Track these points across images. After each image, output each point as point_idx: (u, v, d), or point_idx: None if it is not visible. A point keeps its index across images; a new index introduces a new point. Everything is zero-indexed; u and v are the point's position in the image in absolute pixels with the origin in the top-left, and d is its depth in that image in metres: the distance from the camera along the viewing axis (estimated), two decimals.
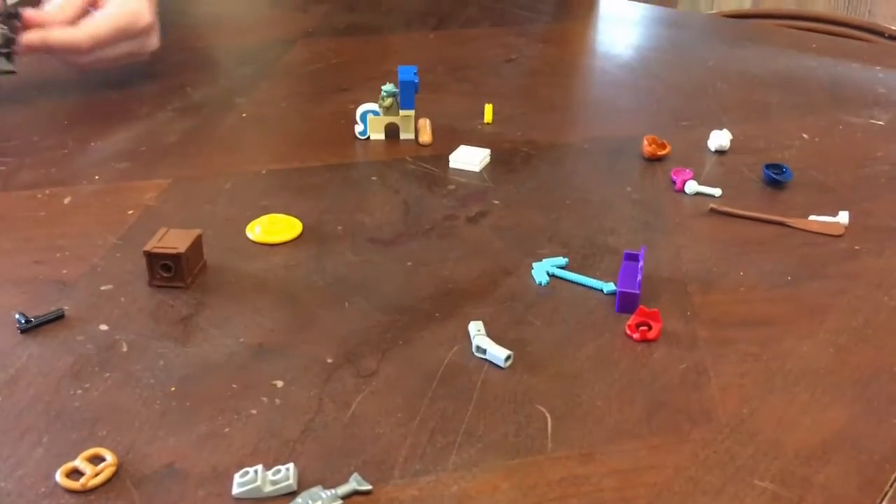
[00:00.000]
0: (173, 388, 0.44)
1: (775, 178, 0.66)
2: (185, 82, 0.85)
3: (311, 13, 1.11)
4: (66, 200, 0.62)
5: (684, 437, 0.42)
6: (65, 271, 0.54)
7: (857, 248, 0.59)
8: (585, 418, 0.43)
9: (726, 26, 1.15)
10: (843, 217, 0.61)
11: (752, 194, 0.65)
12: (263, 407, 0.43)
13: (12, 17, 0.72)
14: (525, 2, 1.15)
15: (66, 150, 0.70)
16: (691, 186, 0.65)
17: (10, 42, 0.71)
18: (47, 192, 0.63)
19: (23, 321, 0.48)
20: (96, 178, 0.65)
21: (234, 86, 0.85)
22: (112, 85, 0.84)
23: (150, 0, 0.81)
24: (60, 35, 0.75)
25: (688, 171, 0.67)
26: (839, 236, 0.60)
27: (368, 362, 0.46)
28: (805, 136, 0.76)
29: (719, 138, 0.72)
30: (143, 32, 0.81)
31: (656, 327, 0.49)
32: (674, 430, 0.42)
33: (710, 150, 0.72)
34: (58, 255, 0.55)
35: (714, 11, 1.55)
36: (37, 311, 0.49)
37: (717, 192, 0.65)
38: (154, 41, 0.84)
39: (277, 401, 0.44)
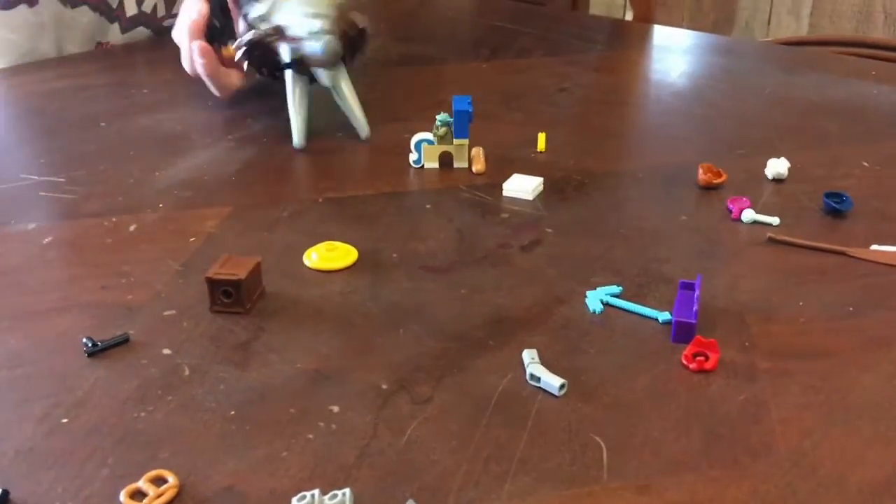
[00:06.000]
0: (233, 412, 0.45)
1: (835, 206, 0.65)
2: (245, 114, 0.87)
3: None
4: (132, 228, 0.64)
5: (744, 471, 0.41)
6: (130, 297, 0.55)
7: None
8: (642, 449, 0.43)
9: (782, 53, 1.14)
10: None
11: (812, 223, 0.64)
12: (320, 432, 0.44)
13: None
14: (578, 31, 1.16)
15: (132, 180, 0.72)
16: (748, 215, 0.64)
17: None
18: (114, 219, 0.65)
19: (90, 345, 0.50)
20: (160, 206, 0.68)
21: None
22: (176, 117, 0.86)
23: None
24: None
25: (745, 199, 0.66)
26: None
27: (423, 389, 0.47)
28: (865, 164, 0.75)
29: (777, 166, 0.71)
30: None
31: (713, 358, 0.48)
32: (733, 464, 0.42)
33: (767, 178, 0.72)
34: (123, 280, 0.57)
35: (769, 39, 1.54)
36: (103, 336, 0.51)
37: (775, 220, 0.64)
38: None
39: (334, 426, 0.44)
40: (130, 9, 1.10)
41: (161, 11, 1.13)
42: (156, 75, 1.02)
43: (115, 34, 1.12)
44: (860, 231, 0.63)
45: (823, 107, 0.88)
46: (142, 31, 1.14)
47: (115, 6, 1.08)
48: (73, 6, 1.04)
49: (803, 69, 1.03)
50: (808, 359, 0.49)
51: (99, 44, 1.11)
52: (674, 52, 1.12)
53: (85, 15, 1.07)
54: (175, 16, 1.12)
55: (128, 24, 1.11)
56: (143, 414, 0.45)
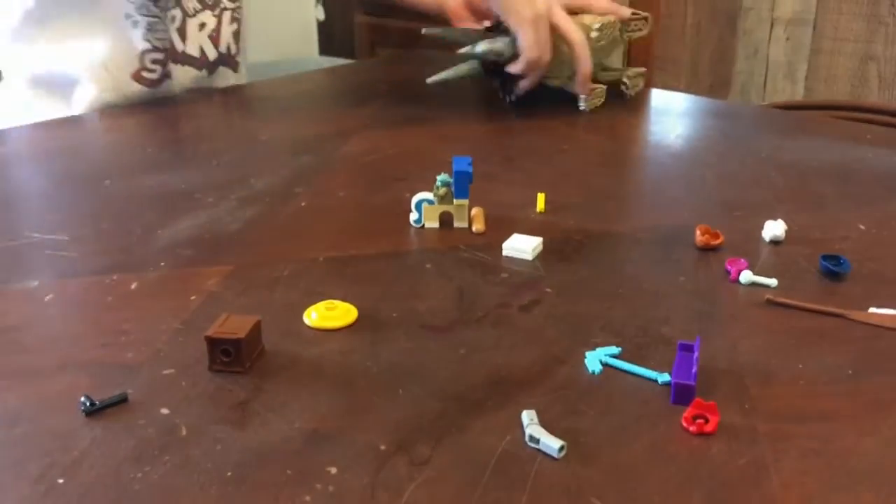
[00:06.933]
0: (230, 473, 0.45)
1: (833, 269, 0.65)
2: (248, 173, 0.88)
3: (369, 106, 1.15)
4: (133, 286, 0.65)
5: None
6: (129, 355, 0.55)
7: None
8: None
9: (779, 117, 1.16)
10: None
11: (810, 285, 0.65)
12: (317, 494, 0.43)
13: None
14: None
15: (134, 238, 0.73)
16: (746, 276, 0.65)
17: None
18: (115, 277, 0.66)
19: (88, 404, 0.49)
20: (162, 264, 0.68)
21: (294, 176, 0.88)
22: (180, 176, 0.87)
23: None
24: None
25: (742, 261, 0.67)
26: None
27: (422, 450, 0.47)
28: (862, 227, 0.75)
29: (774, 228, 0.72)
30: None
31: (713, 420, 0.48)
32: None
33: (764, 240, 0.72)
34: (123, 339, 0.57)
35: (766, 103, 1.56)
36: (101, 395, 0.50)
37: (773, 282, 0.64)
38: None
39: (331, 488, 0.44)
40: (211, 54, 1.20)
41: (234, 50, 1.23)
42: (161, 134, 1.03)
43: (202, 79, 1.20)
44: (858, 294, 0.63)
45: (819, 170, 0.89)
46: (223, 71, 1.23)
47: (198, 55, 1.18)
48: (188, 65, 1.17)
49: (799, 133, 1.04)
50: (808, 422, 0.49)
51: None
52: (671, 115, 1.14)
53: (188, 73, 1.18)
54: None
55: (212, 67, 1.21)
56: (139, 475, 0.45)
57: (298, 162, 0.93)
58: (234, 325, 0.54)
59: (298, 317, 0.60)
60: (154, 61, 1.12)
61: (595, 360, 0.55)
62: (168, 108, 1.13)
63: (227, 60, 1.22)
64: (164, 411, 0.50)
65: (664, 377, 0.53)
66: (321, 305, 0.60)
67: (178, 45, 1.14)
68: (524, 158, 0.94)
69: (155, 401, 0.51)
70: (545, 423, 0.48)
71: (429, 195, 0.74)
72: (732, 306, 0.62)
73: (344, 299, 0.62)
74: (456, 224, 0.75)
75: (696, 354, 0.52)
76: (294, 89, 1.26)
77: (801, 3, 2.25)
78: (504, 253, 0.70)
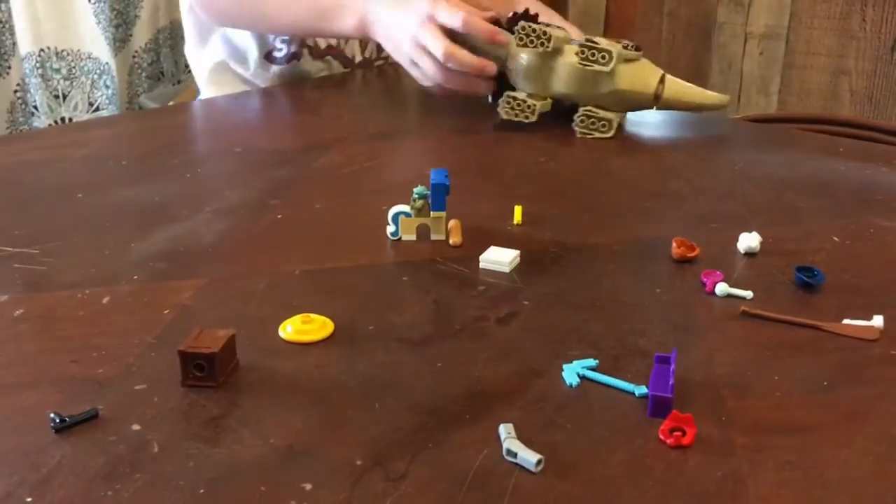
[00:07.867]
0: (202, 491, 0.44)
1: (807, 281, 0.66)
2: (223, 185, 0.88)
3: (345, 118, 1.15)
4: (105, 300, 0.64)
5: None
6: (101, 370, 0.54)
7: (893, 352, 0.58)
8: None
9: (752, 130, 1.17)
10: (878, 321, 0.60)
11: (784, 297, 0.65)
12: None
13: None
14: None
15: (106, 251, 0.72)
16: (722, 288, 0.65)
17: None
18: (87, 291, 0.65)
19: (57, 421, 0.48)
20: (135, 277, 0.67)
21: (270, 188, 0.87)
22: (153, 189, 0.87)
23: None
24: None
25: (718, 273, 0.67)
26: (875, 341, 0.59)
27: (398, 465, 0.46)
28: (836, 238, 0.76)
29: (748, 240, 0.72)
30: None
31: (690, 433, 0.48)
32: None
33: (739, 252, 0.73)
34: (94, 354, 0.56)
35: (739, 116, 1.58)
36: (72, 411, 0.50)
37: (748, 294, 0.65)
38: None
39: None
40: (357, 57, 1.39)
41: (374, 56, 1.41)
42: (134, 147, 1.02)
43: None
44: (832, 305, 0.64)
45: (793, 182, 0.90)
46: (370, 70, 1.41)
47: (350, 56, 1.37)
48: (322, 59, 1.36)
49: (772, 145, 1.05)
50: (784, 434, 0.49)
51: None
52: (647, 128, 1.15)
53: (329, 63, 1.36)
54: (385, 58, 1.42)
55: (356, 67, 1.40)
56: (109, 493, 0.44)
57: (274, 174, 0.92)
58: (208, 340, 0.53)
59: (273, 330, 0.59)
60: (282, 41, 1.29)
61: (572, 372, 0.54)
62: (142, 120, 1.12)
63: (366, 64, 1.40)
64: (136, 427, 0.49)
65: (641, 389, 0.53)
66: (297, 319, 0.60)
67: (340, 45, 1.36)
68: (501, 171, 0.94)
69: (126, 417, 0.50)
70: (523, 437, 0.48)
71: (406, 208, 0.74)
72: (708, 318, 0.62)
73: (320, 312, 0.61)
74: (433, 237, 0.75)
75: (672, 367, 0.52)
76: (270, 101, 1.26)
77: (774, 17, 2.28)
78: (481, 265, 0.70)
